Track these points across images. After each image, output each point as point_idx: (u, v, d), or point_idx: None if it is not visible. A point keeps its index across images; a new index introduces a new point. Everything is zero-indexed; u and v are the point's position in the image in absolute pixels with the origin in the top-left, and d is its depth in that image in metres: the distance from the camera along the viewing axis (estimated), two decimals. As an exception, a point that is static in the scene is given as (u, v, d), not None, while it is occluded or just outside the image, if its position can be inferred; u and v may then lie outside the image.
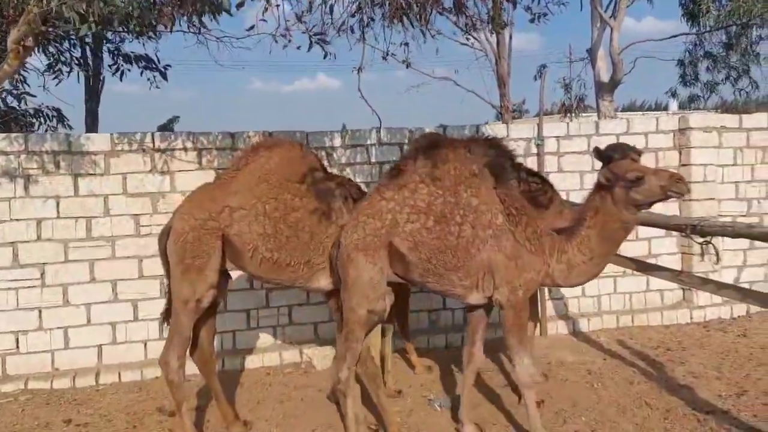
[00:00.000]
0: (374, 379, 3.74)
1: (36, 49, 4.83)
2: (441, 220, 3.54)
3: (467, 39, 8.98)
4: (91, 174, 5.28)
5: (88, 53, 7.00)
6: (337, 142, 5.82)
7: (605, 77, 8.84)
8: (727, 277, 6.61)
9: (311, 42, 5.25)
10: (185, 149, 5.48)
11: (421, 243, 3.54)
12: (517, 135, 6.23)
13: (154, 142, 5.42)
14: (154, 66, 5.84)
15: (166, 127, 16.23)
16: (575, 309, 6.38)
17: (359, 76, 4.39)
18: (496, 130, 6.18)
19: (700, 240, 3.74)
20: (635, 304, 6.52)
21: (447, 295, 3.79)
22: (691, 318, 6.36)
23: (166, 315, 4.02)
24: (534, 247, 3.56)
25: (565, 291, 6.36)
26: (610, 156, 3.38)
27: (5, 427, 4.26)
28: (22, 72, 6.84)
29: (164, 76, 5.94)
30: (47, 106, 7.57)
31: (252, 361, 5.46)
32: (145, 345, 5.43)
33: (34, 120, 7.60)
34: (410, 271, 3.62)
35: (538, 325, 5.97)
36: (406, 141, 5.94)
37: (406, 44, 5.31)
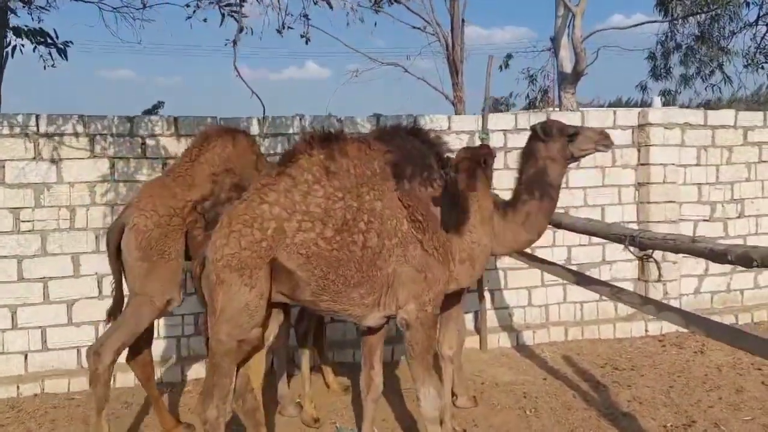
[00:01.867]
0: (253, 416, 3.17)
1: None
2: (342, 228, 2.98)
3: (423, 27, 8.48)
4: (-38, 160, 4.64)
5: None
6: (255, 129, 5.23)
7: (568, 68, 8.36)
8: (687, 287, 6.19)
9: (223, 15, 4.68)
10: (76, 134, 4.86)
11: (315, 256, 2.96)
12: (459, 128, 5.71)
13: (38, 126, 4.78)
14: (50, 42, 5.20)
15: (151, 114, 15.35)
16: (520, 320, 5.90)
17: (235, 51, 3.80)
18: (436, 121, 5.65)
19: (640, 253, 3.27)
20: (587, 314, 6.06)
21: (341, 316, 3.21)
22: (647, 331, 5.92)
23: (112, 314, 3.74)
24: (442, 256, 3.10)
25: (511, 300, 5.88)
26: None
27: None
28: None
29: (63, 54, 5.30)
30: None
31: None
32: (26, 357, 4.81)
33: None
34: (300, 290, 3.01)
35: (478, 338, 5.51)
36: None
37: (305, 16, 4.73)
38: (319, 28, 8.42)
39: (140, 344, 3.77)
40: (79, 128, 4.85)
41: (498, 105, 15.02)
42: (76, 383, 4.72)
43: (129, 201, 3.91)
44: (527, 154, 3.55)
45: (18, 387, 4.63)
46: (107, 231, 3.77)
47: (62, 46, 5.44)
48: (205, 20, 4.55)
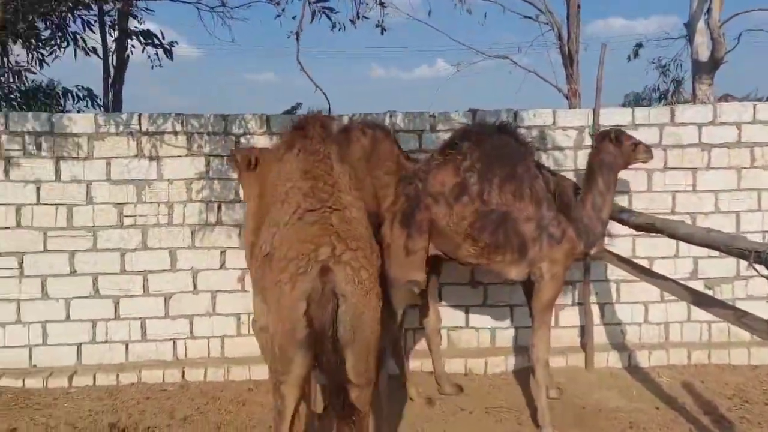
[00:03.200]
0: None
1: (15, 20, 4.52)
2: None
3: (536, 16, 7.97)
4: (74, 158, 4.94)
5: (95, 28, 6.85)
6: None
7: (704, 55, 7.46)
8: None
9: (313, 12, 4.61)
10: (175, 133, 5.01)
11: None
12: (566, 123, 5.24)
13: (141, 125, 4.99)
14: (158, 42, 5.44)
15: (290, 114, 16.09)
16: (634, 338, 5.31)
17: (298, 44, 3.65)
18: (540, 116, 5.22)
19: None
20: (715, 336, 5.32)
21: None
22: (791, 358, 5.09)
23: None
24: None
25: (623, 315, 5.30)
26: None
27: (-52, 432, 3.99)
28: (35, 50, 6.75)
29: (169, 54, 5.53)
30: (77, 86, 7.50)
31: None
32: (126, 347, 5.05)
33: (63, 99, 7.55)
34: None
35: (584, 355, 5.02)
36: (428, 127, 5.16)
37: (381, 3, 4.49)
38: (421, 20, 8.19)
39: None
40: (178, 127, 5.00)
41: (639, 100, 14.05)
42: (169, 375, 4.86)
43: None
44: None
45: (118, 375, 4.85)
46: None
47: (168, 47, 5.65)
48: (294, 18, 4.48)
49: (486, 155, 4.02)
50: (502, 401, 4.45)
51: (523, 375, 4.91)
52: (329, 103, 4.06)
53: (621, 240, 5.21)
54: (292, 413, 2.63)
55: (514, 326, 5.28)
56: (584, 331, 5.11)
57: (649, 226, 3.89)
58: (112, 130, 4.97)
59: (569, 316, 5.27)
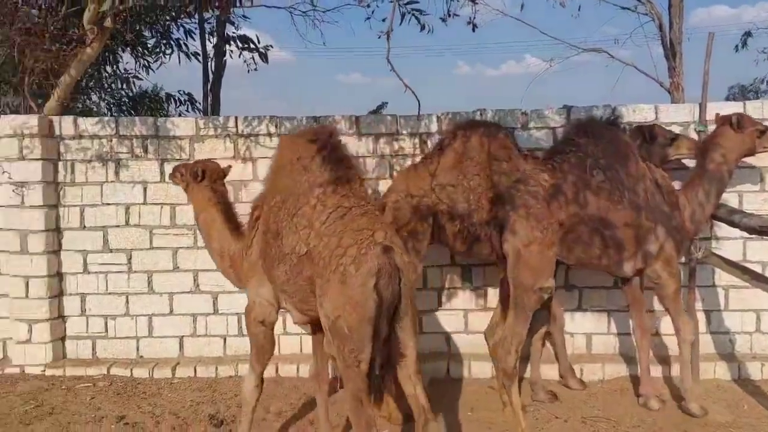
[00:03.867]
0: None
1: (124, 29, 4.83)
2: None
3: (634, 7, 7.59)
4: (177, 159, 5.21)
5: (195, 35, 7.21)
6: (434, 126, 5.09)
7: (826, 42, 6.82)
8: None
9: (402, 14, 4.59)
10: (269, 135, 5.18)
11: None
12: (669, 118, 4.96)
13: (237, 127, 5.19)
14: (253, 47, 5.64)
15: (376, 113, 16.47)
16: (745, 348, 4.96)
17: (388, 43, 3.62)
18: (639, 112, 4.97)
19: None
20: (841, 348, 4.88)
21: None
22: None
23: None
24: None
25: (733, 324, 4.97)
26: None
27: (66, 415, 4.31)
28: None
29: (264, 58, 5.71)
30: (179, 91, 7.94)
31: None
32: (224, 341, 5.27)
33: (166, 104, 8.00)
34: None
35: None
36: (519, 125, 5.04)
37: (473, 1, 4.39)
38: (513, 16, 8.01)
39: None
40: (272, 128, 5.16)
41: (745, 92, 13.14)
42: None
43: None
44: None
45: (216, 368, 5.07)
46: None
47: (263, 50, 5.83)
48: (383, 20, 4.49)
49: (605, 151, 4.00)
50: (599, 411, 4.27)
51: (621, 384, 4.72)
52: (419, 102, 4.04)
53: (730, 243, 4.89)
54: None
55: (612, 333, 5.06)
56: (688, 339, 4.82)
57: (763, 229, 3.61)
58: (211, 132, 5.20)
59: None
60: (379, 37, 3.42)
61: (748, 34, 9.96)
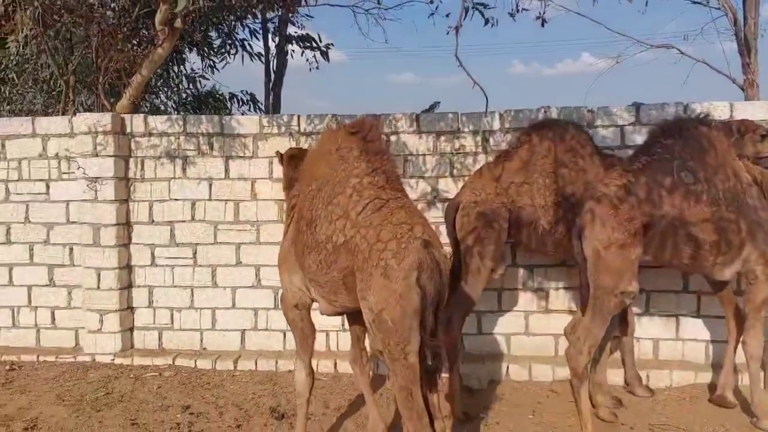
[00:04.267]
0: None
1: (192, 30, 4.97)
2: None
3: (707, 0, 7.31)
4: (241, 157, 5.33)
5: (258, 35, 7.33)
6: (497, 124, 5.03)
7: None
8: None
9: (466, 9, 4.57)
10: (331, 132, 5.22)
11: None
12: (746, 116, 4.73)
13: (299, 125, 5.26)
14: (315, 45, 5.71)
15: (429, 112, 16.59)
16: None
17: (457, 39, 3.57)
18: (714, 109, 4.77)
19: None
20: None
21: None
22: None
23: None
24: None
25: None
26: None
27: (135, 403, 4.47)
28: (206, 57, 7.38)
29: (326, 56, 5.77)
30: (242, 90, 8.14)
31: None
32: (284, 335, 5.35)
33: (230, 104, 8.20)
34: None
35: (763, 374, 4.53)
36: (585, 123, 4.91)
37: None
38: (580, 13, 7.83)
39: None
40: (333, 127, 5.20)
41: None
42: (322, 365, 5.08)
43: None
44: None
45: (276, 362, 5.16)
46: (447, 208, 4.58)
47: (324, 49, 5.90)
48: (447, 15, 4.47)
49: (694, 151, 3.91)
50: (667, 418, 4.13)
51: (690, 392, 4.55)
52: (487, 98, 4.03)
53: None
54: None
55: (680, 338, 4.89)
56: None
57: None
58: (275, 130, 5.30)
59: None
60: (448, 33, 3.40)
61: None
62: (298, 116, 5.30)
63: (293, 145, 5.26)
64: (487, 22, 4.73)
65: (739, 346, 4.16)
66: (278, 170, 5.27)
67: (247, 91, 8.53)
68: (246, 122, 5.39)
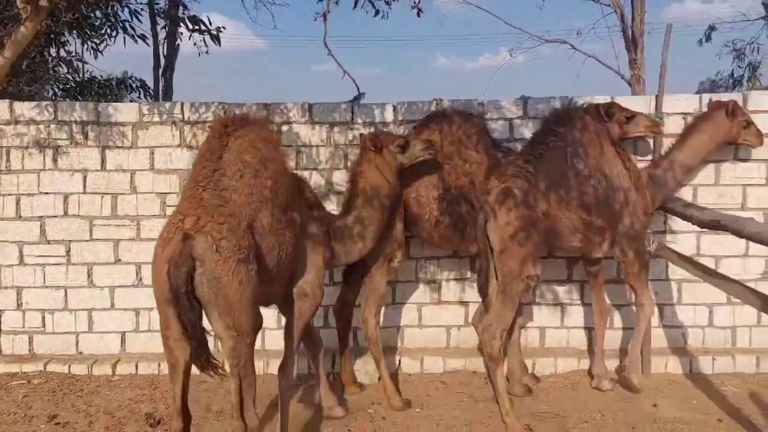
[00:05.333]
0: None
1: (68, 9, 4.60)
2: None
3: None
4: (119, 147, 5.02)
5: (142, 15, 6.97)
6: (390, 116, 5.00)
7: (784, 37, 6.90)
8: None
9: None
10: (216, 122, 5.01)
11: None
12: (625, 110, 4.93)
13: (183, 113, 5.02)
14: (204, 28, 5.45)
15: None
16: (697, 342, 5.00)
17: (325, 26, 3.50)
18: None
19: None
20: (789, 342, 4.93)
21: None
22: None
23: None
24: None
25: (685, 318, 5.00)
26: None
27: (-4, 415, 4.13)
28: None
29: (216, 40, 5.51)
30: (131, 77, 7.68)
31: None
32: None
33: (118, 91, 7.74)
34: None
35: (640, 360, 4.74)
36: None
37: None
38: (479, 6, 7.96)
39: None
40: (220, 115, 4.99)
41: (716, 87, 13.42)
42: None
43: None
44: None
45: (159, 365, 4.87)
46: None
47: (215, 32, 5.64)
48: (337, 2, 4.34)
49: (582, 139, 4.11)
50: (548, 406, 4.25)
51: (573, 378, 4.71)
52: (358, 89, 3.98)
53: (684, 237, 4.90)
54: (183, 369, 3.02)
55: (566, 326, 5.05)
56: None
57: (714, 224, 3.60)
58: (156, 119, 5.02)
59: (626, 317, 4.99)
60: (315, 19, 3.30)
61: (712, 28, 10.10)
62: (182, 104, 5.04)
63: (176, 134, 5.02)
64: (377, 12, 4.65)
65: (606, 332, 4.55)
66: (160, 161, 5.03)
67: (135, 77, 8.09)
68: (125, 109, 5.07)
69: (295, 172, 3.95)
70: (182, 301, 2.78)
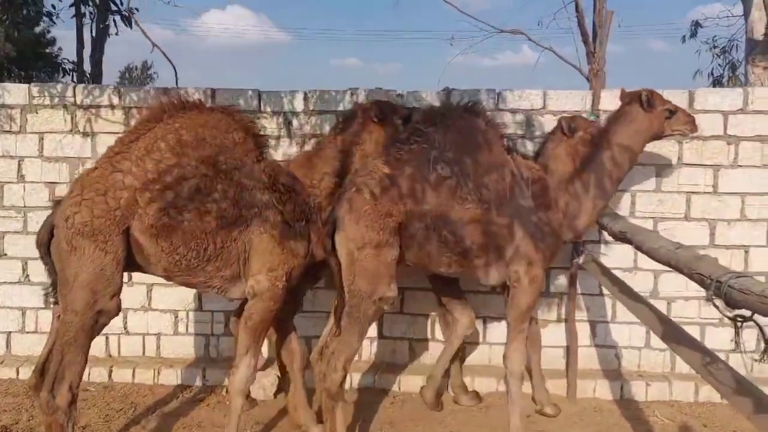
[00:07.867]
0: None
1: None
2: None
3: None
4: (6, 131, 4.66)
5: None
6: (300, 105, 4.61)
7: (760, 32, 6.47)
8: None
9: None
10: (112, 107, 4.65)
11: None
12: (558, 106, 4.58)
13: (75, 97, 4.64)
14: (115, 9, 5.09)
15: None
16: (632, 365, 4.59)
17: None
18: (527, 98, 4.56)
19: (731, 312, 2.08)
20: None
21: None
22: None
23: None
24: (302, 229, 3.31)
25: (620, 337, 4.59)
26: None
27: None
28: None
29: (126, 22, 5.15)
30: (65, 59, 7.32)
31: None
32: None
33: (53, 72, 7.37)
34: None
35: (565, 382, 4.35)
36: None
37: None
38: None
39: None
40: (115, 100, 4.64)
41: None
42: (96, 373, 4.53)
43: None
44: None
45: (42, 370, 4.56)
46: None
47: (126, 14, 5.29)
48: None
49: (455, 142, 3.46)
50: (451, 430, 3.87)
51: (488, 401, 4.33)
52: (175, 69, 3.69)
53: (620, 248, 4.46)
54: None
55: (488, 343, 4.67)
56: (568, 353, 4.43)
57: (622, 235, 3.20)
58: (46, 102, 4.66)
59: (554, 335, 4.58)
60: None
61: (697, 24, 9.66)
62: (74, 87, 4.68)
63: (68, 119, 4.65)
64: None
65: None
66: (49, 148, 4.66)
67: (68, 59, 7.71)
68: (13, 90, 4.70)
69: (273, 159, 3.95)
70: (45, 259, 3.12)
